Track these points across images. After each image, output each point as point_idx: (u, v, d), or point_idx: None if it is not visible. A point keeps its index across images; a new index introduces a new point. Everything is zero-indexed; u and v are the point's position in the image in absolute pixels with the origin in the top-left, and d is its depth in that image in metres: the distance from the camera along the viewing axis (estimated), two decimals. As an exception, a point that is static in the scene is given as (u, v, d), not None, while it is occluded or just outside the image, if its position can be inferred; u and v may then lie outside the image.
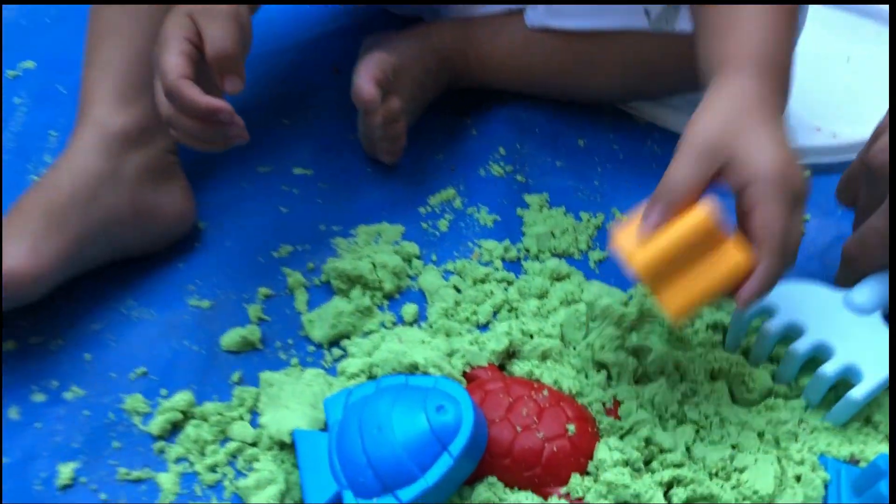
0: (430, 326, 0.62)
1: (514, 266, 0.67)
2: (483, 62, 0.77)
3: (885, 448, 0.53)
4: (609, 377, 0.57)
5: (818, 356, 0.56)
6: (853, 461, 0.52)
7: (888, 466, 0.47)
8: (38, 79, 0.82)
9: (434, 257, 0.67)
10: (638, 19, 0.71)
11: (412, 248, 0.67)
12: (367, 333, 0.61)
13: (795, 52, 0.59)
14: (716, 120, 0.50)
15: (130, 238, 0.63)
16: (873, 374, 0.54)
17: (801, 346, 0.55)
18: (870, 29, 0.95)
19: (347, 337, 0.61)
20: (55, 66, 0.84)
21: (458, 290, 0.64)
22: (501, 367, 0.58)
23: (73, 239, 0.58)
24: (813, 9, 0.88)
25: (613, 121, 0.81)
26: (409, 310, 0.63)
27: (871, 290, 0.57)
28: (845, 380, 0.55)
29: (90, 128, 0.62)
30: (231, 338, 0.60)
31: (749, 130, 0.49)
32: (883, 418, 0.55)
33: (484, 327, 0.62)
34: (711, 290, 0.48)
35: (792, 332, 0.57)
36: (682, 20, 0.70)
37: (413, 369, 0.56)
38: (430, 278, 0.65)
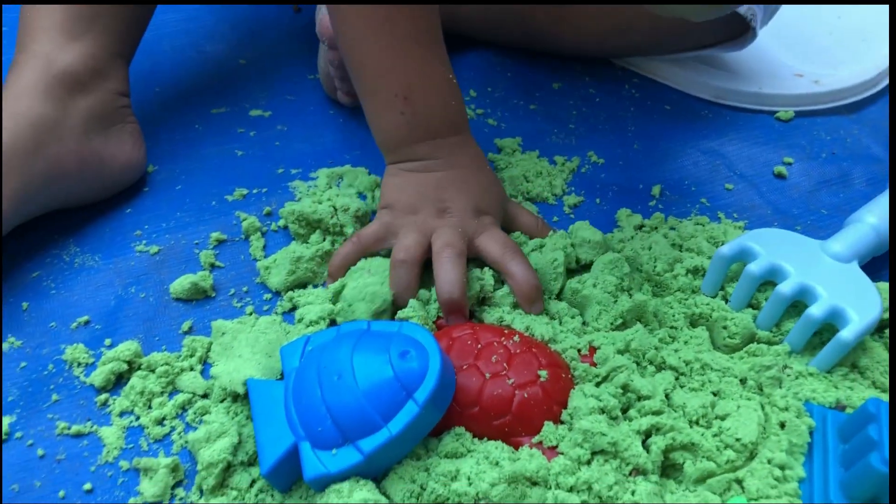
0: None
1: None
2: (453, 10, 0.73)
3: (872, 393, 0.51)
4: (584, 323, 0.53)
5: (802, 300, 0.53)
6: (839, 407, 0.50)
7: (878, 410, 0.44)
8: (-25, 15, 0.77)
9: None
10: None
11: (374, 178, 0.63)
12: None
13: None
14: None
15: (76, 189, 0.58)
16: (861, 317, 0.51)
17: (787, 288, 0.52)
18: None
19: (306, 285, 0.57)
20: (-6, 3, 0.78)
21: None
22: (471, 314, 0.54)
23: (13, 194, 0.53)
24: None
25: (589, 65, 0.77)
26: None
27: (847, 240, 0.56)
28: (830, 325, 0.53)
29: (32, 65, 0.57)
30: (181, 285, 0.56)
31: None
32: (869, 363, 0.52)
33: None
34: None
35: (774, 276, 0.54)
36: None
37: (387, 307, 0.52)
38: None
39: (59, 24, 0.59)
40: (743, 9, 0.69)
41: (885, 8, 0.86)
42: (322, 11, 0.65)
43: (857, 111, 0.74)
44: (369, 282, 0.53)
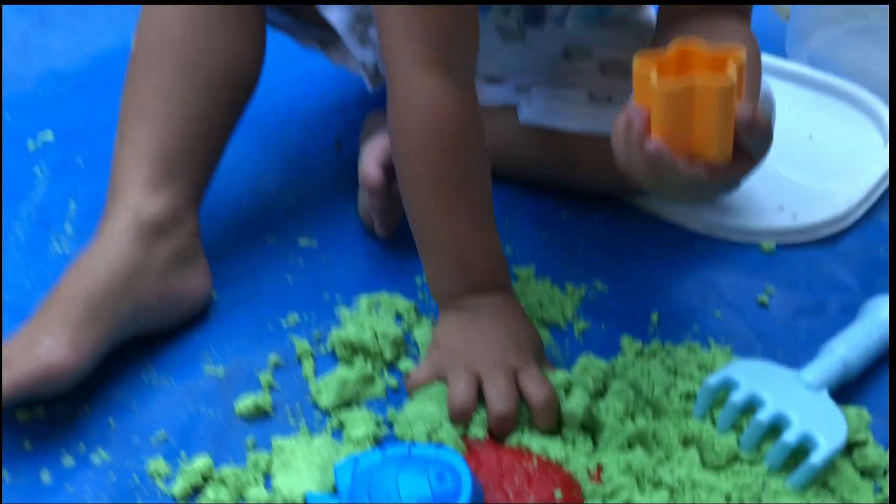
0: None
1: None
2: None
3: (838, 511, 0.59)
4: (595, 443, 0.62)
5: (778, 425, 0.62)
6: (810, 523, 0.58)
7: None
8: (57, 150, 0.88)
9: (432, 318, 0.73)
10: None
11: (407, 303, 0.73)
12: (371, 401, 0.66)
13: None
14: None
15: (155, 321, 0.68)
16: (829, 442, 0.60)
17: (763, 416, 0.61)
18: (831, 106, 1.02)
19: (351, 404, 0.66)
20: (73, 138, 0.89)
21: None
22: (490, 433, 0.63)
23: (107, 329, 0.63)
24: (774, 84, 0.96)
25: (595, 199, 0.87)
26: (407, 365, 0.69)
27: (818, 371, 0.65)
28: (803, 447, 0.61)
29: (123, 214, 0.67)
30: (245, 404, 0.65)
31: None
32: (838, 482, 0.61)
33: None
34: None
35: (754, 403, 0.63)
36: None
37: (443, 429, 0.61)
38: (425, 331, 0.71)
39: (144, 177, 0.69)
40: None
41: (862, 139, 0.96)
42: (366, 161, 0.76)
43: (832, 244, 0.83)
44: (429, 406, 0.62)
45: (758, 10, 1.24)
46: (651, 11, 0.85)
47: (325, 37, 0.84)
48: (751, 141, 0.54)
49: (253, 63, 0.75)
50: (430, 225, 0.65)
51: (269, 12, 0.79)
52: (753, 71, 0.63)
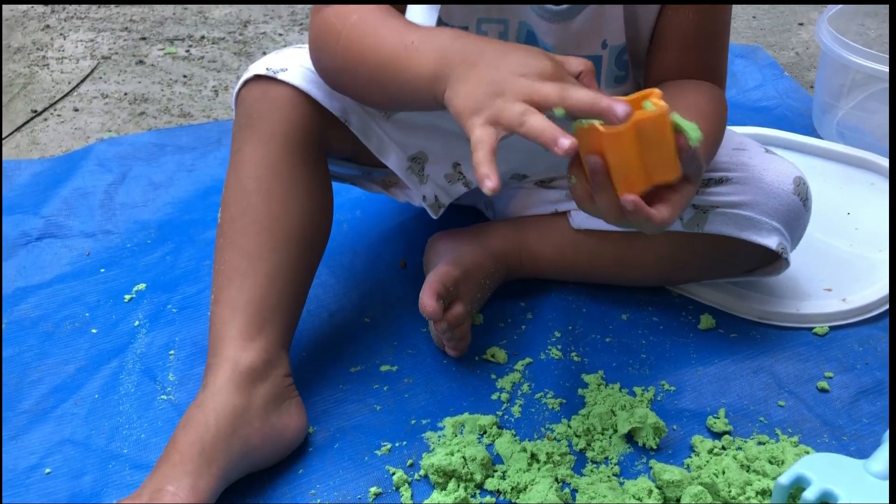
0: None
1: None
2: (534, 260, 0.90)
3: None
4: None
5: (853, 519, 0.66)
6: None
7: None
8: (151, 299, 0.95)
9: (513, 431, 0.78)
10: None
11: (488, 418, 0.79)
12: (468, 523, 0.72)
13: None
14: None
15: (261, 458, 0.74)
16: (903, 534, 0.64)
17: (839, 513, 0.66)
18: (861, 178, 1.07)
19: (451, 529, 0.72)
20: (163, 285, 0.97)
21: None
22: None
23: (221, 471, 0.70)
24: (807, 161, 1.00)
25: (649, 294, 0.92)
26: (495, 484, 0.74)
27: (885, 459, 0.68)
28: (880, 536, 0.65)
29: (224, 366, 0.74)
30: (354, 538, 0.71)
31: None
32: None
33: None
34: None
35: (827, 499, 0.67)
36: (710, 223, 0.83)
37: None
38: (507, 443, 0.76)
39: (239, 331, 0.76)
40: (775, 244, 0.84)
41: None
42: (422, 294, 0.81)
43: (882, 319, 0.87)
44: None
45: (786, 89, 1.30)
46: None
47: (389, 178, 0.91)
48: (691, 168, 0.64)
49: (324, 217, 0.82)
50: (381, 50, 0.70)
51: (335, 167, 0.86)
52: (708, 120, 0.73)
